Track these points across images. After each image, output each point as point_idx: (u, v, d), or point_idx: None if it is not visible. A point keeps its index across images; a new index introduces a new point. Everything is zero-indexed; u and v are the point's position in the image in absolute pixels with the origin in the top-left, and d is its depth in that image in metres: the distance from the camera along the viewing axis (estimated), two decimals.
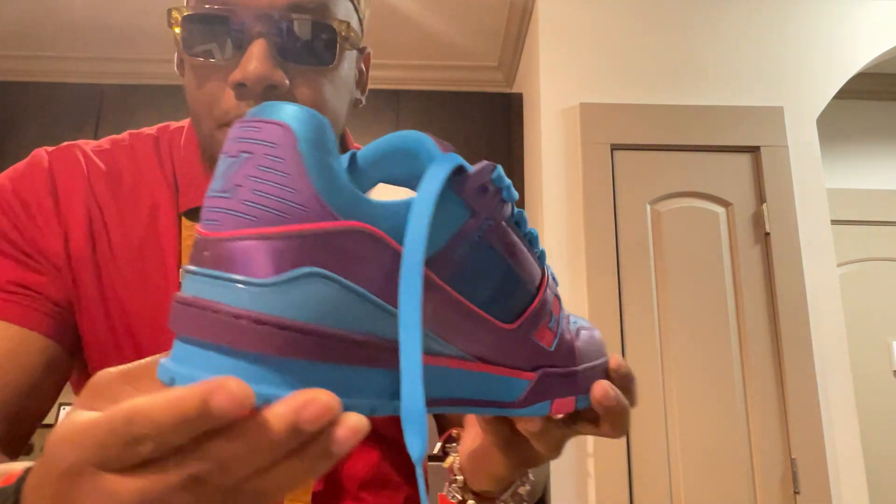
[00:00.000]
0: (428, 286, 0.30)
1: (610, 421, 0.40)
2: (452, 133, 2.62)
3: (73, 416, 0.25)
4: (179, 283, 0.56)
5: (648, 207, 2.14)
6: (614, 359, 0.41)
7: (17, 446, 0.55)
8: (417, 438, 0.27)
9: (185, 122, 0.65)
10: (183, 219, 0.59)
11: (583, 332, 0.40)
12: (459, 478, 0.51)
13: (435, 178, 0.29)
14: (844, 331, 2.07)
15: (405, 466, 0.66)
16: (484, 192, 0.32)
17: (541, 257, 0.37)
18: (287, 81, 0.53)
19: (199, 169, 0.61)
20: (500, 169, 0.34)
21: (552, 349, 0.37)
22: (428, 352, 0.30)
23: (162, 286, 0.58)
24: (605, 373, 0.41)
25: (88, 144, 0.63)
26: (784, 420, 1.96)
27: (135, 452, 0.23)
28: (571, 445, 1.95)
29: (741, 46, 2.31)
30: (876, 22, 2.34)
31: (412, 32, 2.78)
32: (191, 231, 0.59)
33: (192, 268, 0.26)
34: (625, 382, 0.41)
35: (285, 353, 0.25)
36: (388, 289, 0.28)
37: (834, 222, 2.29)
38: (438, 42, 2.84)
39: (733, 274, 2.09)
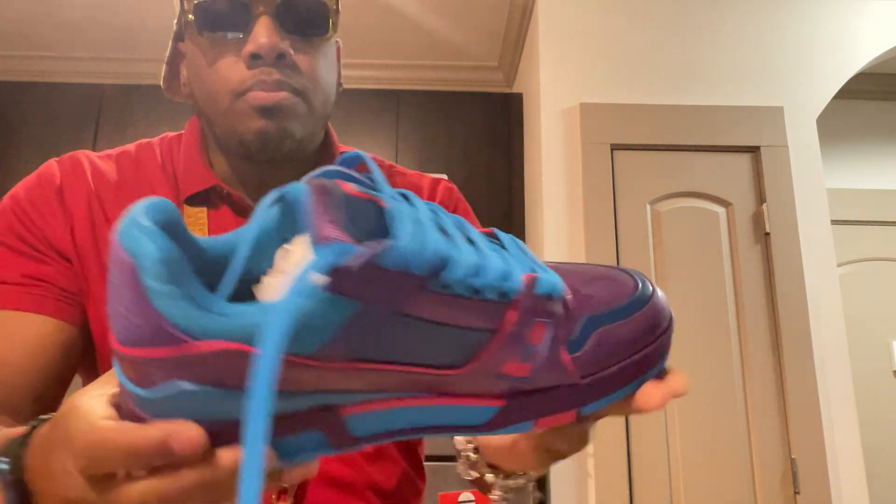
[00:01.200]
0: (330, 370, 0.30)
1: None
2: (452, 133, 2.62)
3: (95, 411, 0.32)
4: None
5: (648, 207, 2.14)
6: (677, 378, 0.37)
7: None
8: None
9: (182, 131, 0.72)
10: (185, 206, 0.65)
11: (612, 330, 0.36)
12: (473, 456, 0.53)
13: (286, 309, 0.27)
14: (844, 331, 2.07)
15: (403, 441, 0.68)
16: (375, 280, 0.29)
17: (504, 295, 0.33)
18: (291, 51, 0.61)
19: (196, 160, 0.67)
20: (397, 249, 0.29)
21: (528, 377, 0.34)
22: (368, 400, 0.32)
23: None
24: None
25: (96, 153, 0.70)
26: (784, 420, 1.96)
27: (108, 467, 0.31)
28: None
29: (741, 46, 2.31)
30: (876, 22, 2.34)
31: (412, 32, 2.78)
32: (192, 217, 0.65)
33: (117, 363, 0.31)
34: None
35: None
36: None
37: (834, 222, 2.29)
38: (438, 42, 2.84)
39: (733, 274, 2.09)
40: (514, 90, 2.90)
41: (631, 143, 2.18)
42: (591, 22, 2.32)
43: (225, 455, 0.30)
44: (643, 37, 2.31)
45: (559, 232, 2.12)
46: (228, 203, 0.66)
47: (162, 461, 0.30)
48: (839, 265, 2.76)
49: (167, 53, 0.69)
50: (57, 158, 0.68)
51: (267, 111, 0.60)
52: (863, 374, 2.82)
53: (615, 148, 2.18)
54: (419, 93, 2.72)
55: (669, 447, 1.95)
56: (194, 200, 0.65)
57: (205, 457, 0.30)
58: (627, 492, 1.89)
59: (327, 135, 0.72)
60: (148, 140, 0.72)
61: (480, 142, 2.62)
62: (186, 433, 0.29)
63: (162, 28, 2.77)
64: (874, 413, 2.81)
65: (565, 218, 2.13)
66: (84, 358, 0.65)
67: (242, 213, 0.66)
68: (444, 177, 0.81)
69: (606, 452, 1.92)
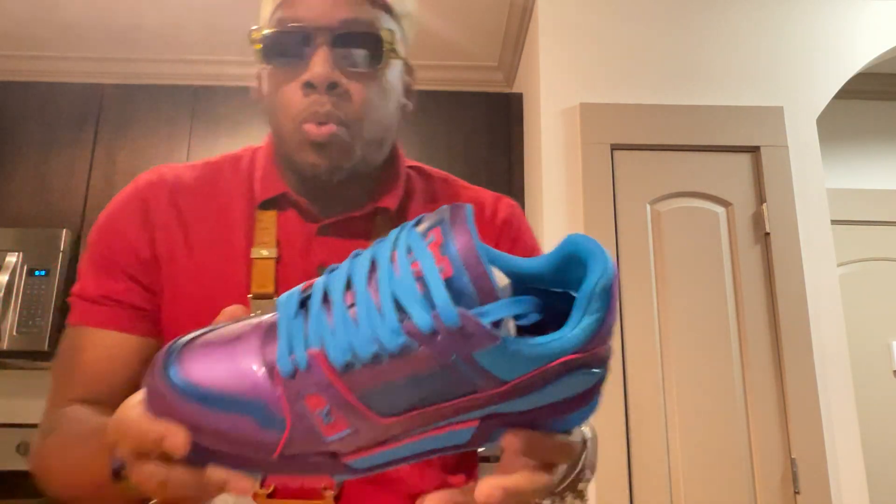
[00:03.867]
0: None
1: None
2: (452, 133, 2.62)
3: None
4: (250, 262, 0.69)
5: (648, 207, 2.14)
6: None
7: None
8: None
9: (264, 142, 0.79)
10: (257, 210, 0.72)
11: None
12: None
13: None
14: (844, 331, 2.07)
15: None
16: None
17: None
18: (345, 80, 0.66)
19: (270, 169, 0.74)
20: None
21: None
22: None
23: (230, 269, 0.69)
24: None
25: (183, 165, 0.77)
26: (784, 420, 1.96)
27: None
28: None
29: (741, 46, 2.31)
30: (876, 22, 2.34)
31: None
32: (262, 222, 0.71)
33: None
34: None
35: None
36: None
37: (834, 222, 2.29)
38: (438, 42, 2.84)
39: (733, 274, 2.09)
40: (514, 90, 2.90)
41: (631, 143, 2.18)
42: (591, 22, 2.32)
43: (214, 472, 0.37)
44: (643, 37, 2.31)
45: (559, 232, 2.12)
46: (296, 208, 0.72)
47: (157, 453, 0.37)
48: (839, 265, 2.76)
49: (257, 69, 0.74)
50: (147, 171, 0.76)
51: (318, 146, 0.66)
52: (863, 374, 2.82)
53: (615, 148, 2.18)
54: (419, 93, 2.70)
55: (669, 447, 1.95)
56: (266, 205, 0.72)
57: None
58: (627, 492, 1.89)
59: (394, 149, 0.78)
60: (235, 151, 0.79)
61: (480, 142, 2.62)
62: (176, 437, 0.36)
63: (162, 28, 2.77)
64: (874, 413, 2.80)
65: (565, 218, 2.13)
66: None
67: (307, 217, 0.72)
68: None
69: (606, 452, 1.92)
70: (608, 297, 0.36)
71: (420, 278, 0.35)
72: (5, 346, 2.29)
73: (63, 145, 2.59)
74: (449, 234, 0.36)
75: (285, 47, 0.67)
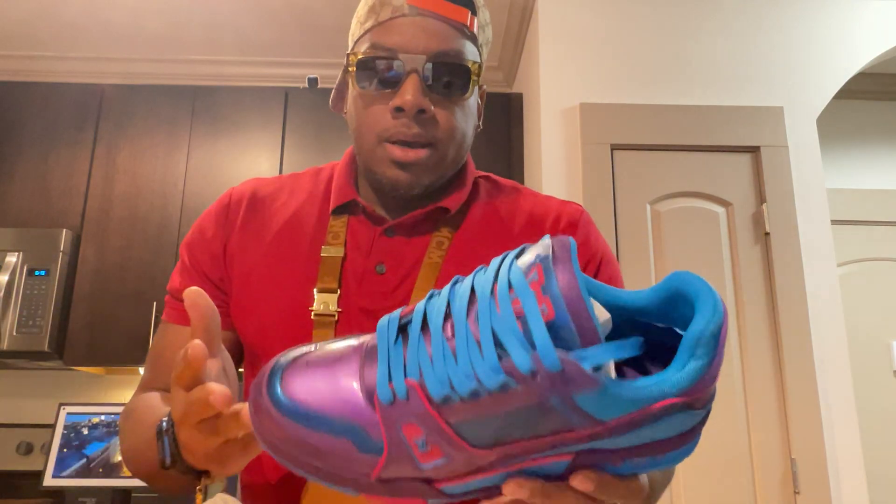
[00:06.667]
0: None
1: None
2: None
3: None
4: (318, 260, 0.75)
5: (648, 207, 2.14)
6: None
7: None
8: None
9: (343, 157, 0.85)
10: (331, 217, 0.77)
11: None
12: None
13: None
14: (844, 331, 2.07)
15: None
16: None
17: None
18: (432, 107, 0.70)
19: (343, 180, 0.79)
20: None
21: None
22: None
23: (299, 265, 0.75)
24: None
25: (271, 177, 0.84)
26: (784, 420, 1.96)
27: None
28: None
29: (741, 47, 2.31)
30: (876, 22, 2.34)
31: None
32: (334, 226, 0.77)
33: None
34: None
35: None
36: None
37: (834, 222, 2.29)
38: None
39: (733, 274, 2.09)
40: (514, 90, 2.90)
41: (631, 143, 2.18)
42: (591, 22, 2.32)
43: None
44: (643, 37, 2.31)
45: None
46: (365, 214, 0.77)
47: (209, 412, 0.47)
48: (839, 265, 2.76)
49: (337, 80, 0.80)
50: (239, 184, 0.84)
51: (401, 165, 0.71)
52: (863, 374, 2.82)
53: (615, 148, 2.18)
54: None
55: None
56: (339, 211, 0.77)
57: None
58: None
59: (465, 164, 0.82)
60: (320, 166, 0.86)
61: (480, 142, 2.61)
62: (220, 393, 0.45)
63: (162, 28, 2.77)
64: (874, 413, 2.81)
65: None
66: (244, 357, 0.78)
67: (375, 220, 0.76)
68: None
69: None
70: (717, 342, 0.35)
71: (521, 318, 0.34)
72: (5, 346, 2.29)
73: (63, 145, 2.59)
74: (551, 273, 0.35)
75: (378, 72, 0.71)
